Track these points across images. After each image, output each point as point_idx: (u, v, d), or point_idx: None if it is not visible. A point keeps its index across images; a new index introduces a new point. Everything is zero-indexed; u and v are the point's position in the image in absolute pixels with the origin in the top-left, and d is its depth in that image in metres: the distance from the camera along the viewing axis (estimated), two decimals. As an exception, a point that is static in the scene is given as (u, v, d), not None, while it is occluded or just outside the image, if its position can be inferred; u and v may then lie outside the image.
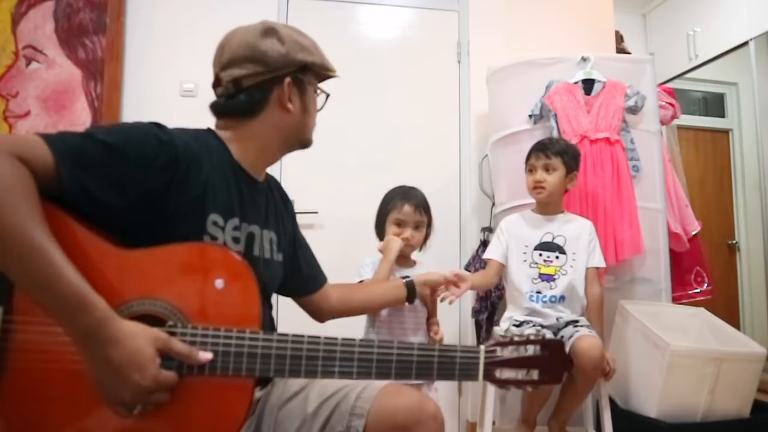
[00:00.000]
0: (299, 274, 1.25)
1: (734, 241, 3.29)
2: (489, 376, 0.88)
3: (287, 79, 1.05)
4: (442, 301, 1.65)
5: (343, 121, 2.61)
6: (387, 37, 2.73)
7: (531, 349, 0.89)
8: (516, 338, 0.90)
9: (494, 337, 0.95)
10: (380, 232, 1.78)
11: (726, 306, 3.07)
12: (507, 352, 0.89)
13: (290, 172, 2.54)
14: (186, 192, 0.87)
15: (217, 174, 0.95)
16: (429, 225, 1.80)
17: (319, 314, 1.33)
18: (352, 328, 1.78)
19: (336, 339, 0.85)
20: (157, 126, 0.90)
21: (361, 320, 1.69)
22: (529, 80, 2.27)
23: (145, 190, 0.83)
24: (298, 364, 0.82)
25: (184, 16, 2.47)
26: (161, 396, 0.76)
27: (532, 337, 0.90)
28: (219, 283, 0.81)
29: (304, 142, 1.15)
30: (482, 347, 0.90)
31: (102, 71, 2.37)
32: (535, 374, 0.89)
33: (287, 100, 1.05)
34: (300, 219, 2.48)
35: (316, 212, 2.52)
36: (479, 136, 2.66)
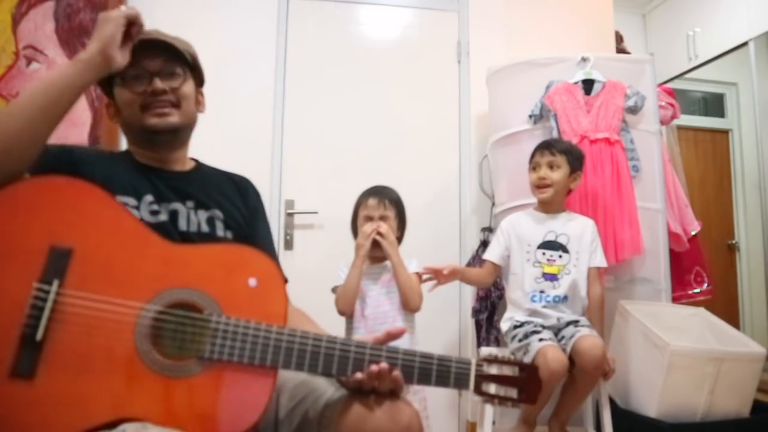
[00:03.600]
0: None
1: (734, 241, 3.29)
2: (478, 389, 0.93)
3: (106, 101, 1.15)
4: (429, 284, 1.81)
5: (342, 121, 2.62)
6: (387, 37, 2.73)
7: (512, 370, 0.95)
8: (499, 358, 0.96)
9: (481, 354, 0.98)
10: (355, 232, 1.85)
11: (726, 306, 3.07)
12: (492, 369, 0.94)
13: (290, 172, 2.55)
14: (90, 170, 1.01)
15: (121, 171, 1.07)
16: (401, 221, 1.84)
17: None
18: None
19: (351, 341, 0.90)
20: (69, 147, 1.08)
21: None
22: (529, 80, 2.27)
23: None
24: (316, 360, 0.88)
25: (184, 16, 2.46)
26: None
27: (512, 359, 0.97)
28: (252, 281, 0.90)
29: (143, 132, 1.10)
30: (473, 360, 0.95)
31: (102, 71, 2.37)
32: (514, 393, 0.94)
33: (111, 115, 1.15)
34: (300, 219, 2.54)
35: (316, 212, 2.52)
36: (479, 136, 2.66)
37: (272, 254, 1.25)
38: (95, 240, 0.87)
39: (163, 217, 1.04)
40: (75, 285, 0.83)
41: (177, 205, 1.07)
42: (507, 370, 0.95)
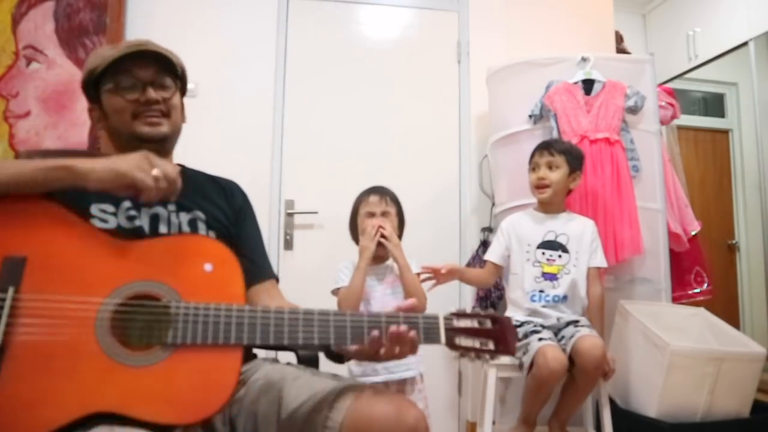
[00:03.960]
0: (241, 256, 1.13)
1: (734, 241, 3.29)
2: (450, 342, 0.93)
3: (89, 107, 1.16)
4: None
5: (342, 121, 2.62)
6: (387, 37, 2.73)
7: (484, 323, 0.95)
8: (468, 312, 0.96)
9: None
10: (354, 232, 1.85)
11: (726, 306, 3.07)
12: (463, 323, 0.95)
13: (290, 172, 2.55)
14: (60, 193, 0.98)
15: None
16: (400, 220, 1.84)
17: None
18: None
19: (313, 310, 0.92)
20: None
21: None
22: (529, 80, 2.27)
23: None
24: (281, 332, 0.90)
25: (184, 16, 2.46)
26: (163, 180, 0.90)
27: (483, 313, 0.97)
28: (208, 266, 0.93)
29: (132, 139, 1.10)
30: (440, 314, 0.95)
31: (102, 71, 2.37)
32: (491, 344, 0.94)
33: (95, 122, 1.16)
34: (300, 219, 2.54)
35: (316, 212, 2.52)
36: (479, 136, 2.66)
37: (262, 255, 1.24)
38: (49, 247, 0.89)
39: (139, 222, 1.05)
40: (31, 289, 0.84)
41: (158, 209, 1.08)
42: (478, 323, 0.95)
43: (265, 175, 2.50)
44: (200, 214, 1.12)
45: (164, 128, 1.12)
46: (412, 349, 0.93)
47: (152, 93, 1.09)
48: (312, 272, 2.38)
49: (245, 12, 2.56)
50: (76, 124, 2.34)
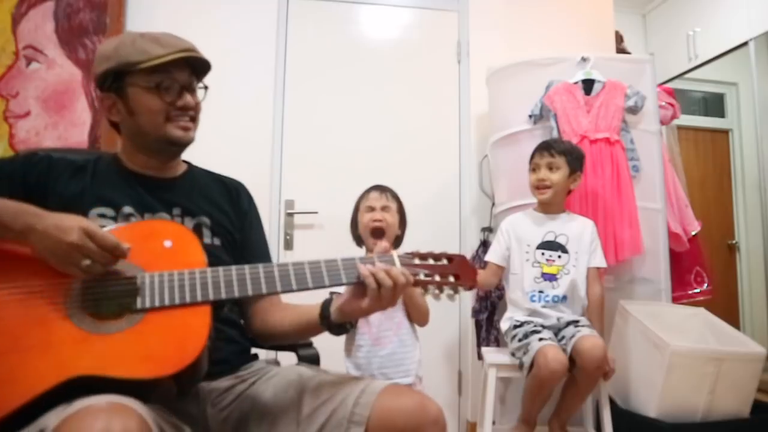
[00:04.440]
0: (245, 263, 1.12)
1: (734, 241, 3.29)
2: (407, 279, 0.96)
3: (98, 92, 1.11)
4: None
5: (342, 121, 2.62)
6: (387, 37, 2.73)
7: (440, 260, 1.00)
8: (421, 252, 1.00)
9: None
10: (354, 231, 1.84)
11: (726, 306, 3.07)
12: (420, 260, 0.99)
13: (290, 172, 2.55)
14: (58, 197, 1.02)
15: (100, 181, 1.07)
16: (402, 219, 1.83)
17: (263, 331, 1.16)
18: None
19: (272, 264, 0.97)
20: (27, 153, 1.08)
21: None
22: (529, 80, 2.27)
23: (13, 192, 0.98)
24: (244, 285, 0.93)
25: (184, 16, 2.46)
26: (101, 256, 0.86)
27: (436, 253, 1.01)
28: (168, 243, 0.98)
29: (160, 141, 1.09)
30: (394, 253, 0.99)
31: (102, 71, 2.37)
32: (451, 278, 0.98)
33: (108, 112, 1.10)
34: (300, 219, 2.54)
35: (316, 212, 2.52)
36: (479, 136, 2.66)
37: (267, 259, 1.22)
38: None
39: None
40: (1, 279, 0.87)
41: (162, 214, 1.08)
42: (434, 261, 0.99)
43: (265, 175, 2.50)
44: (205, 220, 1.12)
45: (192, 133, 1.12)
46: (397, 291, 0.95)
47: (190, 98, 1.09)
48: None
49: (245, 12, 2.56)
50: (76, 124, 2.35)
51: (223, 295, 0.92)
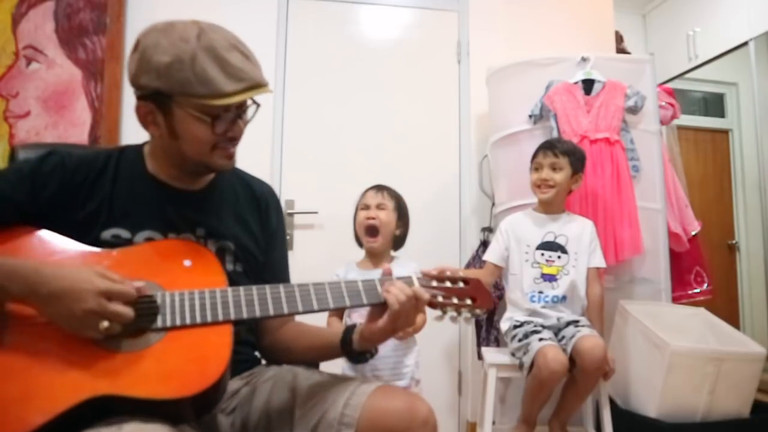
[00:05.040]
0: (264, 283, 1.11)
1: (734, 241, 3.29)
2: (429, 297, 0.97)
3: (140, 102, 0.99)
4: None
5: (342, 121, 2.62)
6: (387, 37, 2.73)
7: (458, 283, 1.01)
8: (437, 275, 1.01)
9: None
10: (355, 234, 1.83)
11: (726, 306, 3.06)
12: (438, 283, 1.01)
13: (290, 172, 2.55)
14: (69, 222, 0.95)
15: (123, 190, 1.00)
16: (402, 218, 1.81)
17: (274, 348, 1.14)
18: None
19: (293, 284, 0.96)
20: (43, 158, 0.97)
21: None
22: (529, 80, 2.27)
23: (21, 212, 0.93)
24: (265, 305, 0.93)
25: (184, 16, 2.46)
26: (114, 323, 0.81)
27: (452, 276, 1.02)
28: (187, 262, 0.96)
29: (200, 166, 1.01)
30: (413, 274, 1.00)
31: (102, 71, 2.37)
32: (468, 300, 0.99)
33: (143, 119, 0.99)
34: (300, 219, 2.54)
35: (316, 212, 2.52)
36: (479, 136, 2.66)
37: (285, 278, 1.20)
38: (33, 253, 0.91)
39: None
40: None
41: (187, 234, 1.02)
42: (451, 284, 1.01)
43: (265, 175, 2.48)
44: (229, 245, 1.06)
45: (235, 159, 1.04)
46: (417, 310, 0.97)
47: (241, 126, 1.02)
48: (312, 272, 2.34)
49: (245, 12, 2.55)
50: (76, 124, 2.35)
51: (245, 315, 0.91)
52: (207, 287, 0.92)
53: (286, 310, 0.93)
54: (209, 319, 0.89)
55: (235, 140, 1.02)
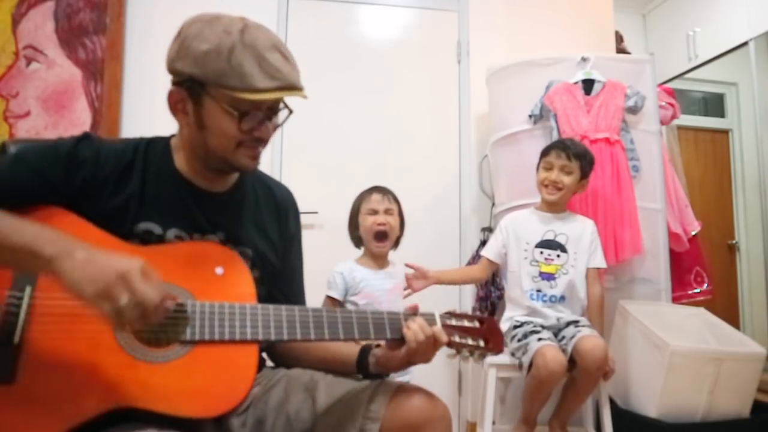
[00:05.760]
0: (276, 290, 1.12)
1: (734, 241, 3.29)
2: (447, 339, 0.98)
3: (173, 87, 0.97)
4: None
5: (342, 120, 2.62)
6: (387, 37, 2.73)
7: (472, 322, 1.03)
8: (457, 312, 1.03)
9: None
10: (353, 232, 1.84)
11: (726, 306, 3.06)
12: (456, 322, 1.02)
13: (290, 172, 2.54)
14: (101, 203, 0.94)
15: (152, 185, 0.98)
16: (401, 220, 1.84)
17: (284, 356, 1.13)
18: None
19: (321, 309, 0.96)
20: (79, 141, 0.95)
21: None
22: (529, 80, 2.27)
23: (54, 192, 0.91)
24: (294, 328, 0.92)
25: (184, 15, 2.45)
26: (133, 309, 0.75)
27: (470, 314, 1.04)
28: (219, 270, 0.95)
29: (223, 163, 0.99)
30: (436, 313, 1.01)
31: (102, 71, 2.37)
32: (481, 342, 1.01)
33: (173, 106, 0.98)
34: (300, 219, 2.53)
35: (316, 212, 2.52)
36: (479, 136, 2.66)
37: (299, 287, 1.20)
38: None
39: None
40: (48, 289, 0.83)
41: (210, 236, 1.02)
42: (468, 323, 1.02)
43: (265, 175, 2.50)
44: (248, 251, 1.05)
45: (259, 161, 1.02)
46: (435, 349, 0.98)
47: (270, 128, 1.00)
48: (312, 272, 2.35)
49: (245, 12, 2.52)
50: (76, 124, 2.35)
51: (273, 336, 0.91)
52: (237, 300, 0.91)
53: (313, 336, 0.93)
54: (237, 337, 0.88)
55: (262, 141, 1.00)
